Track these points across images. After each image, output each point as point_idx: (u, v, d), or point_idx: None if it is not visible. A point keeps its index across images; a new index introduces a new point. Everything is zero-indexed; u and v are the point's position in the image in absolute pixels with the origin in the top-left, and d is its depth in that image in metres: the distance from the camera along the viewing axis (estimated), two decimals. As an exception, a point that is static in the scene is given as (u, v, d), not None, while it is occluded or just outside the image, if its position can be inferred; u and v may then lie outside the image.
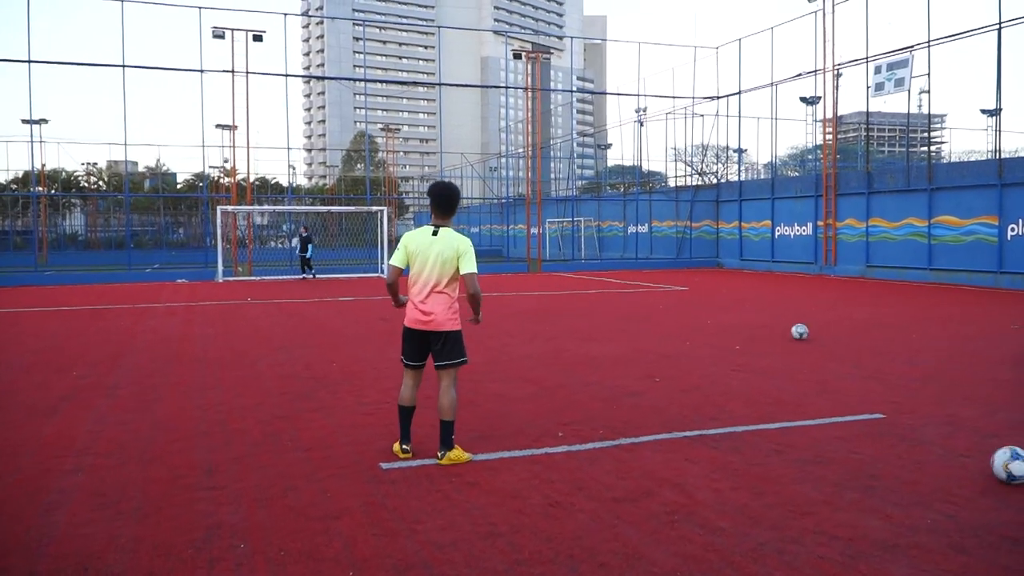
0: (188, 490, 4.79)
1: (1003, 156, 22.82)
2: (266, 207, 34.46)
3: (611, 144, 59.93)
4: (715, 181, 39.09)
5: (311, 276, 25.55)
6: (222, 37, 26.93)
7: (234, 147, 29.03)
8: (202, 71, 27.61)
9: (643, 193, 39.35)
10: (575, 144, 59.97)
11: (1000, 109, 23.66)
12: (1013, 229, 20.74)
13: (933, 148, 61.56)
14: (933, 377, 8.36)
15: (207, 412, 6.90)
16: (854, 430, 6.17)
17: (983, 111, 47.64)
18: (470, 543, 3.97)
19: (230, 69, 27.33)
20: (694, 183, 39.30)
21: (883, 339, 11.23)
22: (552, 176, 55.41)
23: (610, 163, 61.41)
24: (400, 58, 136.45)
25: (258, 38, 27.32)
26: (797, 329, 11.17)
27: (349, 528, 4.17)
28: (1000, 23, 21.51)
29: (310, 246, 25.78)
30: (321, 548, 3.91)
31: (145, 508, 4.49)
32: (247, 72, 27.56)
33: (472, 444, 5.71)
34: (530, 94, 32.90)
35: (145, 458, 5.49)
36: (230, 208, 27.58)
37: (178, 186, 62.57)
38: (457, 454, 5.32)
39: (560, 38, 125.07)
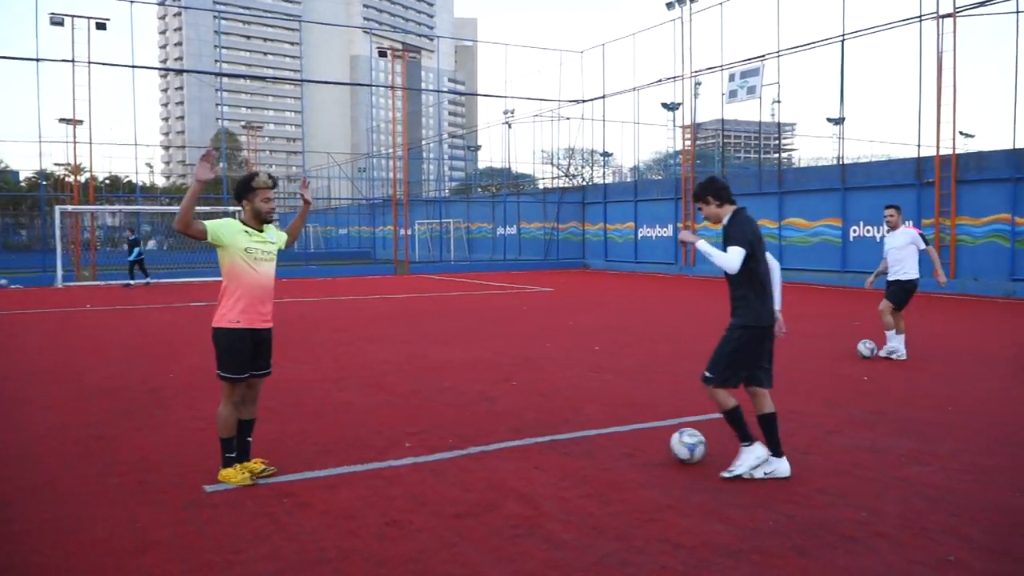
0: (-29, 527, 4.19)
1: (846, 162, 24.23)
2: (111, 207, 32.19)
3: (481, 146, 59.98)
4: (582, 183, 39.76)
5: (130, 284, 22.98)
6: (61, 24, 25.01)
7: (75, 143, 26.99)
8: (38, 60, 25.58)
9: (511, 195, 39.53)
10: (445, 145, 59.69)
11: (843, 118, 25.13)
12: (855, 230, 22.03)
13: (784, 154, 65.05)
14: (778, 373, 8.54)
15: (15, 434, 6.18)
16: (703, 430, 6.17)
17: (829, 120, 50.71)
18: (294, 573, 3.61)
19: (70, 59, 25.44)
20: (561, 185, 39.84)
21: (736, 337, 11.51)
22: (423, 177, 54.92)
23: (480, 165, 61.53)
24: (265, 54, 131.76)
25: (101, 26, 25.53)
26: (864, 347, 9.66)
27: (155, 563, 3.72)
28: (844, 35, 22.82)
29: (136, 249, 23.10)
30: (118, 589, 3.45)
31: (-87, 551, 3.87)
32: (89, 62, 25.72)
33: (313, 459, 5.34)
34: (396, 93, 32.38)
35: (-74, 490, 4.80)
36: (70, 208, 25.62)
37: (21, 184, 57.95)
38: (227, 474, 4.88)
39: (431, 39, 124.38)
